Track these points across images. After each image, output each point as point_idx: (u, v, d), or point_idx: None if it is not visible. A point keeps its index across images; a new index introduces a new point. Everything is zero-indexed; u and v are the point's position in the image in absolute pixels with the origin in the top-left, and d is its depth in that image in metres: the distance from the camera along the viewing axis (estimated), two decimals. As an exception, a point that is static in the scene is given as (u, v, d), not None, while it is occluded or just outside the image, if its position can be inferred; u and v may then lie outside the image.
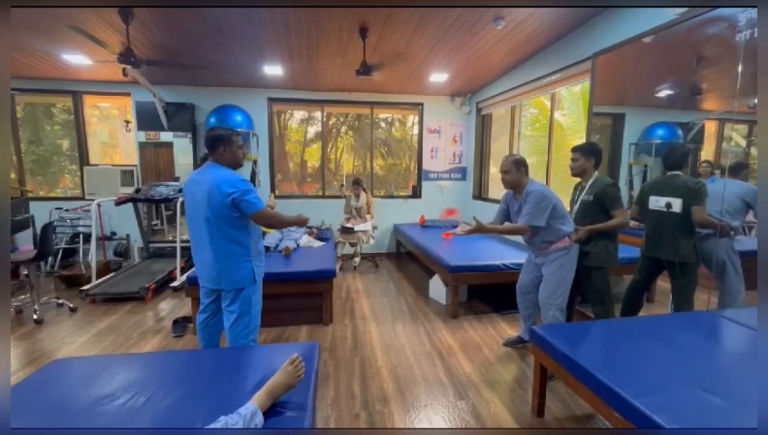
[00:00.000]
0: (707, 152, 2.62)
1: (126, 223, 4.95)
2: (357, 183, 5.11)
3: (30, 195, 4.91)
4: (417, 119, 5.95)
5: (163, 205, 4.91)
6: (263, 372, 1.48)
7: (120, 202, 4.03)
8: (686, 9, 2.38)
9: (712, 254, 2.29)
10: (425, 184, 5.98)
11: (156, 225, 5.15)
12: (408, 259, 5.57)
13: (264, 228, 2.84)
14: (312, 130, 6.12)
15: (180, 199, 3.86)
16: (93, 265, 3.92)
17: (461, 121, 5.90)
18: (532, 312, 2.68)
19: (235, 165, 2.03)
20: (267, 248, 3.66)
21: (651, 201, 2.43)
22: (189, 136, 5.05)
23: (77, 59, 3.96)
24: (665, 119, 2.82)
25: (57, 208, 4.88)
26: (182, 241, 3.83)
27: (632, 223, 2.56)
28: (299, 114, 6.12)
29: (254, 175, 5.25)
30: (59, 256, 4.71)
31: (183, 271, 3.68)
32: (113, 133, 5.44)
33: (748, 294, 2.25)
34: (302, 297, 3.15)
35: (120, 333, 3.00)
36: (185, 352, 2.08)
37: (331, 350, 2.73)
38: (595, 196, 2.37)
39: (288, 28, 3.28)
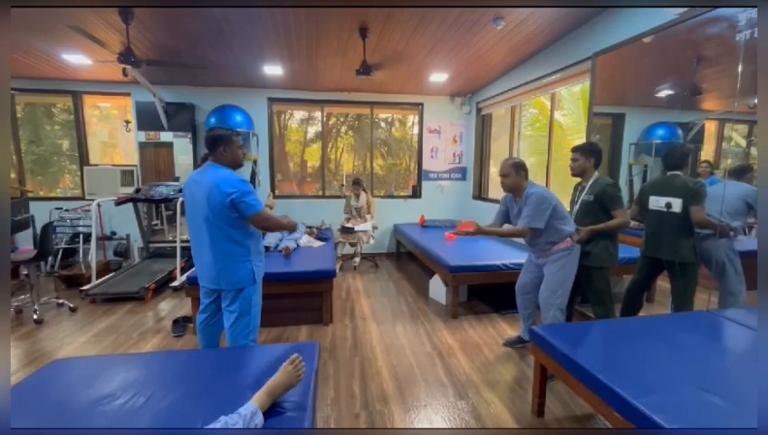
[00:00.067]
0: (707, 152, 2.62)
1: (126, 223, 4.95)
2: (357, 183, 5.11)
3: (30, 195, 4.91)
4: (417, 119, 5.94)
5: (163, 205, 4.91)
6: (263, 372, 1.48)
7: (119, 202, 4.03)
8: (686, 9, 2.37)
9: (711, 254, 2.29)
10: (425, 184, 5.98)
11: (156, 225, 5.15)
12: (407, 259, 5.57)
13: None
14: (312, 130, 6.12)
15: (180, 199, 3.86)
16: (93, 265, 3.92)
17: (461, 121, 5.90)
18: (532, 312, 2.68)
19: (236, 165, 2.03)
20: (267, 248, 3.66)
21: (651, 201, 2.43)
22: (189, 136, 5.05)
23: (77, 59, 3.96)
24: (665, 119, 2.82)
25: (57, 208, 4.87)
26: (182, 241, 3.83)
27: (632, 223, 2.56)
28: (299, 114, 6.12)
29: (254, 175, 5.25)
30: (59, 256, 4.71)
31: (183, 271, 3.68)
32: (113, 133, 5.44)
33: (748, 294, 2.25)
34: (302, 297, 3.15)
35: (119, 333, 3.00)
36: (185, 352, 2.08)
37: (330, 350, 2.73)
38: (595, 196, 2.37)
39: (288, 28, 3.28)
